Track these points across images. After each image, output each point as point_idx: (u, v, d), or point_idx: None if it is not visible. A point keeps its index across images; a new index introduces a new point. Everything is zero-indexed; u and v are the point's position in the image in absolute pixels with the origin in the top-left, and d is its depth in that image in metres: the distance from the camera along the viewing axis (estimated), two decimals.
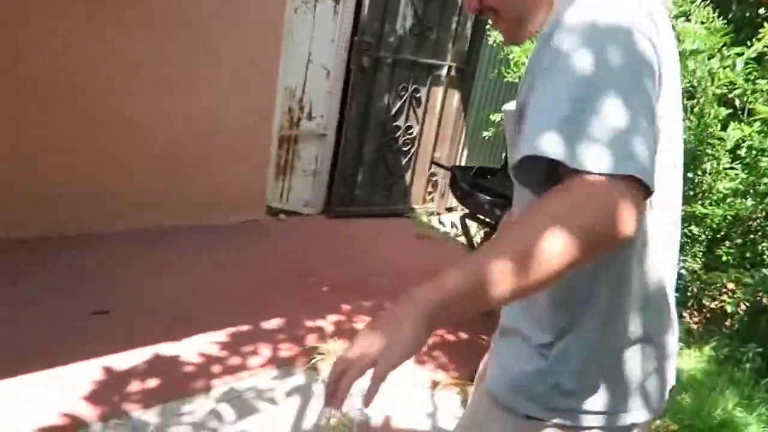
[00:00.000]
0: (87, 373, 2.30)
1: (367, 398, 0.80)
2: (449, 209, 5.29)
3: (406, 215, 4.97)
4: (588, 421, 0.93)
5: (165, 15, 3.38)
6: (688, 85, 3.27)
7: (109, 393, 2.21)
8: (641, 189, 0.70)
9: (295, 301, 3.16)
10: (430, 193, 5.14)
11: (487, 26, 4.87)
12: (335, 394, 0.83)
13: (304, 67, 4.18)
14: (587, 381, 0.93)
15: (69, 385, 2.21)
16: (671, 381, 1.02)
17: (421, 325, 0.72)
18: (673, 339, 0.99)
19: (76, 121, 3.26)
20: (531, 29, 0.94)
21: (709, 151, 3.42)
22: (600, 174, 0.68)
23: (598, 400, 0.93)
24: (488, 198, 2.83)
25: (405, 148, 4.81)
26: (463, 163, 5.16)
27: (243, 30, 3.68)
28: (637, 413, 0.95)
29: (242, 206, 4.11)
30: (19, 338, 2.42)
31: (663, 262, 0.94)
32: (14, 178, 3.12)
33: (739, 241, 3.56)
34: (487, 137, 4.40)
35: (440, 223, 4.99)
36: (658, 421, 2.67)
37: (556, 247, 0.67)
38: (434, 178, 5.10)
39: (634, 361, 0.94)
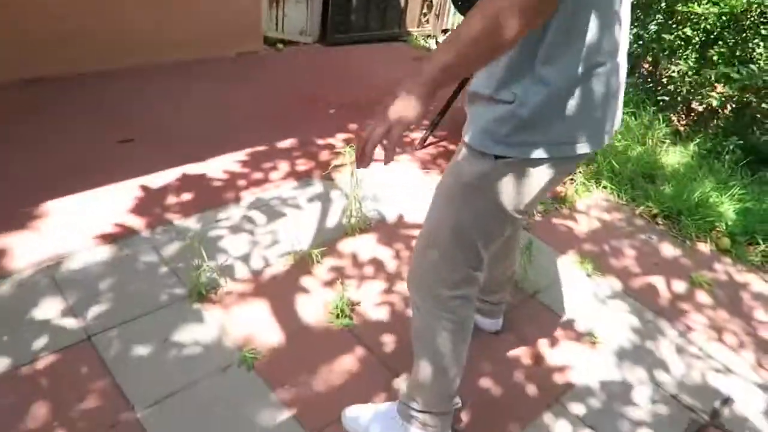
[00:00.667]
0: (127, 191, 2.54)
1: (386, 157, 1.10)
2: (445, 31, 5.25)
3: (402, 39, 4.96)
4: (544, 153, 1.14)
5: None
6: None
7: (150, 206, 2.46)
8: None
9: (304, 122, 3.33)
10: (425, 14, 5.06)
11: None
12: (362, 158, 1.11)
13: None
14: (544, 115, 1.11)
15: (113, 201, 2.46)
16: (616, 123, 1.25)
17: (424, 95, 1.03)
18: (616, 81, 1.17)
19: None
20: None
21: None
22: None
23: (553, 133, 1.13)
24: None
25: None
26: None
27: None
28: (583, 146, 1.17)
29: (240, 37, 4.11)
30: (55, 164, 2.63)
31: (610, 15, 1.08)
32: (23, 18, 3.12)
33: (731, 41, 3.63)
34: None
35: (437, 44, 4.98)
36: (641, 207, 2.98)
37: (503, 25, 0.91)
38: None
39: (582, 97, 1.11)
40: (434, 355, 1.44)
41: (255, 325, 1.95)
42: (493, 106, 1.16)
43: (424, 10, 5.02)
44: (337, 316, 2.02)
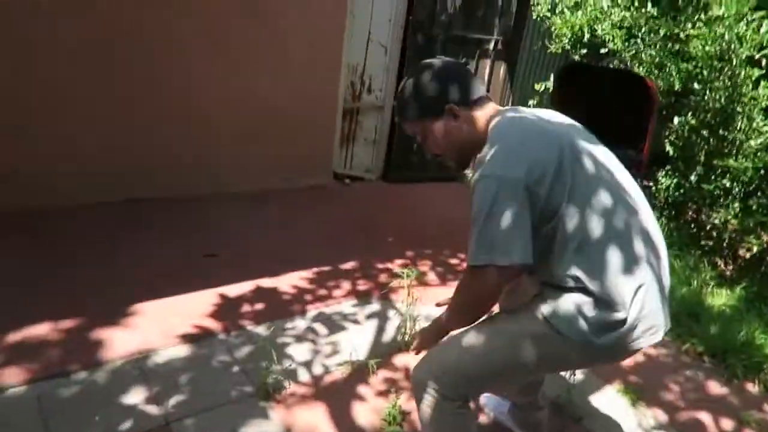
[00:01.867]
0: (208, 298, 2.86)
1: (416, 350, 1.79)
2: None
3: (458, 180, 5.40)
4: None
5: (248, 3, 3.88)
6: (717, 49, 3.56)
7: (227, 313, 2.75)
8: (501, 266, 1.38)
9: (366, 247, 3.66)
10: None
11: (531, 1, 5.22)
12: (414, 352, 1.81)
13: (365, 46, 4.63)
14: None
15: (196, 307, 2.77)
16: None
17: (434, 341, 1.72)
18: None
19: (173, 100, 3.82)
20: (475, 155, 1.52)
21: (739, 110, 3.69)
22: (472, 266, 1.42)
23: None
24: None
25: None
26: None
27: (312, 14, 4.15)
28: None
29: (312, 172, 4.62)
30: (150, 272, 3.00)
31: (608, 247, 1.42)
32: (132, 148, 3.72)
33: None
34: (531, 105, 4.77)
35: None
36: (687, 345, 3.06)
37: (465, 310, 1.59)
38: None
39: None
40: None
41: (314, 426, 2.12)
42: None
43: None
44: (389, 423, 2.17)
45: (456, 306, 1.61)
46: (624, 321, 1.40)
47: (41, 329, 2.42)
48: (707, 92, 3.83)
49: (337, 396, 2.30)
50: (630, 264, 1.40)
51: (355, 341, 2.65)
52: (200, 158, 4.03)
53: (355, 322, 2.83)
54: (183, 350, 2.45)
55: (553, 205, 1.38)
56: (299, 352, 2.54)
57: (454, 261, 3.66)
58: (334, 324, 2.79)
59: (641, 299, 1.41)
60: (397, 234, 3.96)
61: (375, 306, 2.99)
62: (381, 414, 2.21)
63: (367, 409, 2.24)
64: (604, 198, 1.42)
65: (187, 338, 2.52)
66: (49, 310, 2.54)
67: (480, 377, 1.58)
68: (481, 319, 1.59)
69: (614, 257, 1.40)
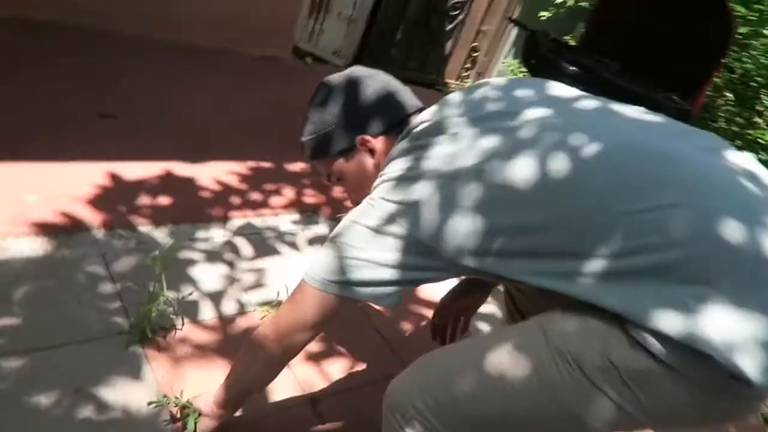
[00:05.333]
0: (91, 174, 2.03)
1: None
2: None
3: (438, 88, 4.60)
4: None
5: None
6: None
7: (114, 200, 1.95)
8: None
9: None
10: (467, 69, 4.74)
11: None
12: None
13: None
14: None
15: (69, 183, 1.95)
16: None
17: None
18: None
19: None
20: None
21: None
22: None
23: None
24: (573, 68, 2.46)
25: (452, 13, 4.34)
26: (508, 44, 4.72)
27: None
28: None
29: (268, 39, 3.69)
30: (21, 121, 2.12)
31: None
32: None
33: None
34: (545, 18, 3.96)
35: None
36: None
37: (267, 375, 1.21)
38: (475, 54, 4.67)
39: None
40: None
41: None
42: None
43: (467, 64, 4.69)
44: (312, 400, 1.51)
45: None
46: None
47: None
48: None
49: None
50: None
51: (289, 274, 1.93)
52: None
53: (293, 246, 2.10)
54: (35, 246, 1.66)
55: None
56: (207, 277, 1.80)
57: None
58: (263, 244, 2.05)
59: None
60: None
61: (323, 228, 2.26)
62: (306, 387, 1.55)
63: (287, 379, 1.57)
64: None
65: (46, 229, 1.72)
66: None
67: (493, 425, 0.91)
68: (498, 335, 0.96)
69: None
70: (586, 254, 0.80)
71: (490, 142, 0.90)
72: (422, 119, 1.07)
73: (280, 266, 1.96)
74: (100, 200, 1.93)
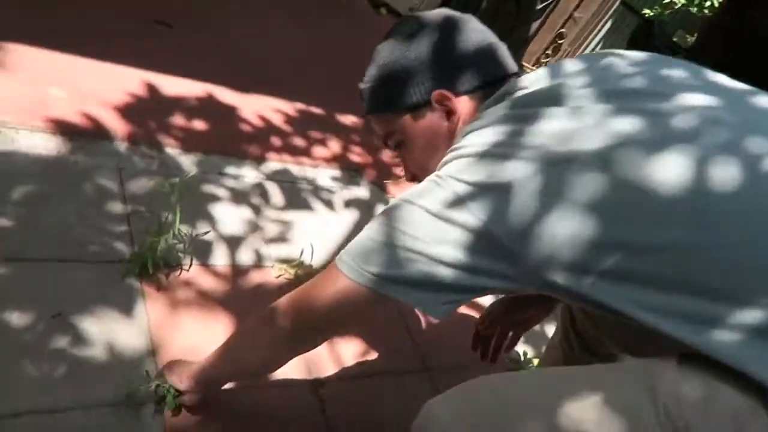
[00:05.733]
0: (127, 80, 1.85)
1: None
2: None
3: None
4: None
5: None
6: None
7: (145, 114, 1.76)
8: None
9: None
10: (547, 55, 4.40)
11: None
12: None
13: None
14: None
15: (103, 84, 1.77)
16: None
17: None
18: None
19: None
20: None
21: None
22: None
23: None
24: None
25: None
26: (598, 37, 4.36)
27: None
28: None
29: None
30: (66, 12, 1.94)
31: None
32: None
33: None
34: (647, 16, 3.61)
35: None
36: None
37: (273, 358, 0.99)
38: (560, 41, 4.33)
39: None
40: None
41: (195, 347, 1.24)
42: None
43: (549, 50, 4.35)
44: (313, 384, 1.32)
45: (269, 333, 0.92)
46: None
47: None
48: None
49: (252, 307, 1.40)
50: None
51: (316, 232, 1.72)
52: None
53: (328, 204, 1.89)
54: (48, 144, 1.48)
55: None
56: (227, 217, 1.60)
57: None
58: (296, 194, 1.84)
59: None
60: None
61: (363, 191, 2.04)
62: (311, 367, 1.35)
63: None
64: None
65: (65, 128, 1.55)
66: None
67: None
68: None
69: None
70: (740, 300, 0.57)
71: (627, 124, 0.66)
72: (526, 83, 0.83)
73: (310, 223, 1.75)
74: (131, 110, 1.74)
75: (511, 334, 1.27)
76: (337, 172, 2.05)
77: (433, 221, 0.71)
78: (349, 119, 2.39)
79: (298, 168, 1.94)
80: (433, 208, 0.72)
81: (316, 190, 1.91)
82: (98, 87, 1.75)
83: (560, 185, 0.65)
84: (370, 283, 0.75)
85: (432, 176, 0.77)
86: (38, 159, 1.43)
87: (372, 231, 0.78)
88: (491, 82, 0.89)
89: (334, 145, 2.17)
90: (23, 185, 1.35)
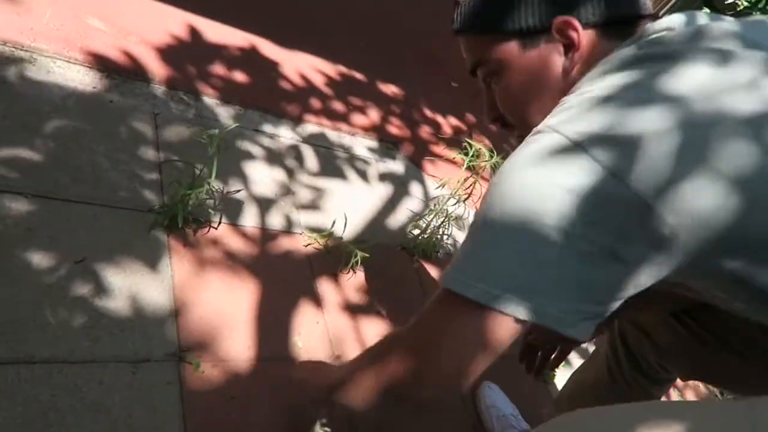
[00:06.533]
0: (170, 20, 1.76)
1: None
2: None
3: None
4: None
5: None
6: None
7: (185, 59, 1.68)
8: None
9: (426, 83, 2.53)
10: None
11: None
12: None
13: None
14: None
15: (146, 22, 1.69)
16: None
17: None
18: None
19: None
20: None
21: None
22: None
23: None
24: None
25: None
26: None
27: None
28: None
29: None
30: None
31: None
32: None
33: None
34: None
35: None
36: None
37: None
38: None
39: None
40: None
41: (224, 313, 1.19)
42: None
43: None
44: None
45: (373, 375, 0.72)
46: None
47: None
48: None
49: (282, 276, 1.35)
50: None
51: (348, 203, 1.65)
52: None
53: (362, 175, 1.81)
54: (84, 79, 1.41)
55: None
56: (261, 178, 1.53)
57: None
58: (331, 161, 1.77)
59: None
60: (468, 82, 2.81)
61: (398, 166, 1.96)
62: (335, 342, 1.30)
63: (316, 325, 1.32)
64: None
65: (103, 63, 1.47)
66: None
67: None
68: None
69: None
70: None
71: None
72: (667, 26, 0.67)
73: (343, 193, 1.68)
74: (171, 53, 1.66)
75: (559, 348, 1.16)
76: (374, 143, 1.97)
77: (569, 199, 0.55)
78: (390, 89, 2.29)
79: (336, 134, 1.87)
80: (566, 182, 0.55)
81: (352, 159, 1.83)
82: (140, 24, 1.67)
83: (703, 146, 0.54)
84: (501, 304, 0.57)
85: (545, 130, 0.60)
86: (73, 93, 1.36)
87: (484, 234, 0.60)
88: (623, 19, 0.71)
89: (374, 114, 2.08)
90: (56, 119, 1.28)
